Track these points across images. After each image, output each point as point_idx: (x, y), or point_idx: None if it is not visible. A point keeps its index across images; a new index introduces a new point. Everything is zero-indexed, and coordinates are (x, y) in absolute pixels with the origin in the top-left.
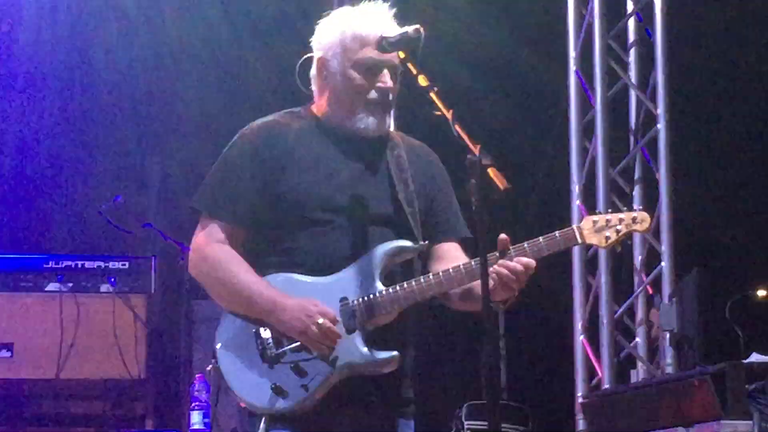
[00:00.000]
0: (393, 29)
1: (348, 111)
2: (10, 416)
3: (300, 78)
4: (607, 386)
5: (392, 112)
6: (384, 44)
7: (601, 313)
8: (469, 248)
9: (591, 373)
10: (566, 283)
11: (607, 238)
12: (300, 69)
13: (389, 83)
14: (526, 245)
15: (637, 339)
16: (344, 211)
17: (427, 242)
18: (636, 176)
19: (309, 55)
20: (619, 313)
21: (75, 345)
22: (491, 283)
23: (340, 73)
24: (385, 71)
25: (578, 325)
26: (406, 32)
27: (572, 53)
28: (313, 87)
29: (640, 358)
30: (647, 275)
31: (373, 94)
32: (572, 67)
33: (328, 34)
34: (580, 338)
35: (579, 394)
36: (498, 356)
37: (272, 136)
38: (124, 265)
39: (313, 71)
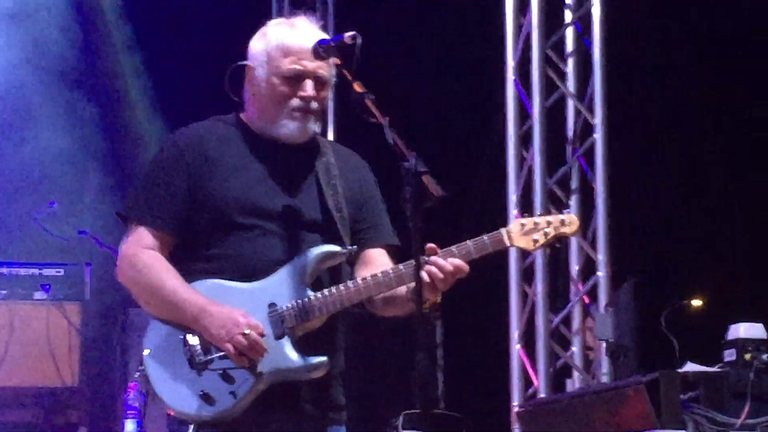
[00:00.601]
0: (308, 43)
1: (272, 118)
2: None
3: (231, 85)
4: (543, 395)
5: (331, 119)
6: (319, 50)
7: (537, 322)
8: (395, 255)
9: (527, 382)
10: (503, 292)
11: (536, 240)
12: (231, 76)
13: (310, 92)
14: (454, 248)
15: (574, 348)
16: (271, 216)
17: (355, 247)
18: (573, 186)
19: (239, 63)
20: (555, 322)
21: (8, 353)
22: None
23: (264, 80)
24: (307, 81)
25: (515, 335)
26: (342, 38)
27: (510, 62)
28: (245, 94)
29: (576, 368)
30: (584, 284)
31: (295, 102)
32: (510, 76)
33: (256, 44)
34: (516, 347)
35: (515, 403)
36: (434, 365)
37: (198, 141)
38: (59, 272)
39: (245, 78)
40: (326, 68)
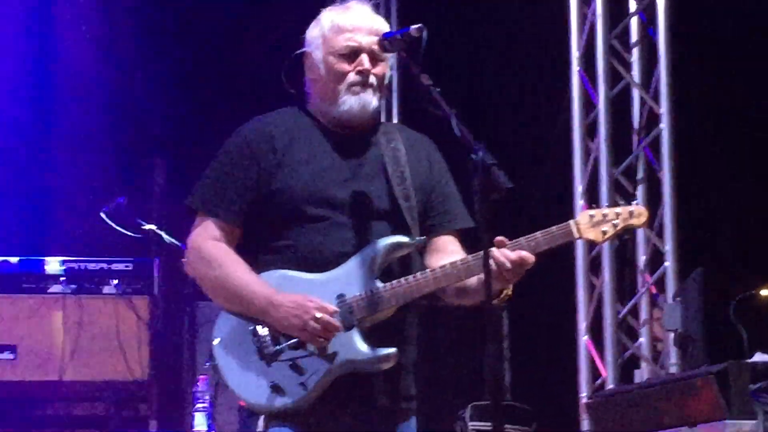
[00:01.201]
0: (375, 24)
1: (332, 98)
2: (14, 418)
3: (290, 78)
4: (611, 386)
5: (395, 113)
6: (384, 43)
7: (604, 313)
8: (467, 240)
9: (595, 373)
10: (570, 284)
11: (604, 232)
12: (289, 69)
13: (367, 65)
14: (522, 240)
15: (641, 339)
16: (340, 206)
17: (424, 238)
18: (639, 176)
19: (297, 53)
20: (623, 313)
21: (78, 347)
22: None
23: (321, 61)
24: (363, 55)
25: (582, 326)
26: (408, 31)
27: (575, 53)
28: (306, 83)
29: (645, 358)
30: (651, 275)
31: (352, 77)
32: (575, 67)
33: (312, 31)
34: (584, 339)
35: (583, 395)
36: (501, 357)
37: (267, 132)
38: (128, 266)
39: (304, 67)
40: (376, 45)
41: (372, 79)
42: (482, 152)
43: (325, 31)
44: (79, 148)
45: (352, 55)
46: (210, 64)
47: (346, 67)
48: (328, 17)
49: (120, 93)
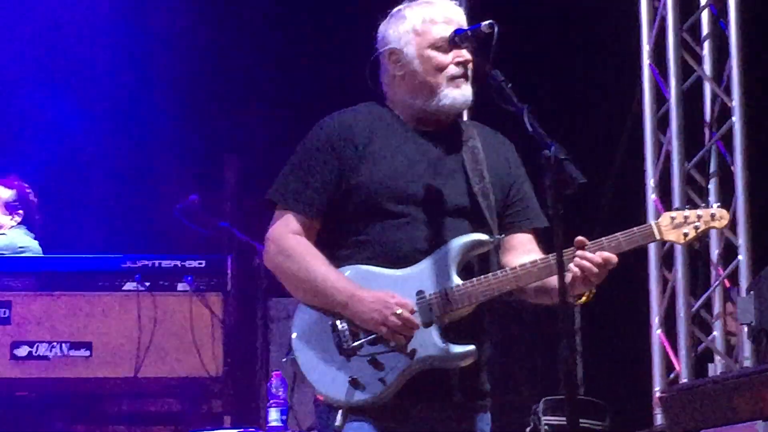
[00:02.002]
0: (460, 17)
1: (430, 92)
2: (89, 415)
3: (369, 78)
4: (684, 380)
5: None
6: (456, 40)
7: (678, 307)
8: (543, 239)
9: (668, 367)
10: (643, 278)
11: (685, 234)
12: (372, 68)
13: (467, 55)
14: (604, 241)
15: (715, 333)
16: (420, 203)
17: (503, 236)
18: (711, 169)
19: (382, 50)
20: (696, 307)
21: (153, 344)
22: (568, 277)
23: (416, 56)
24: (461, 46)
25: (655, 320)
26: (479, 27)
27: (645, 47)
28: (384, 83)
29: (718, 352)
30: (724, 269)
31: (452, 70)
32: (646, 60)
33: (397, 26)
34: (657, 333)
35: (657, 389)
36: (575, 351)
37: (347, 127)
38: (201, 264)
39: (384, 66)
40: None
41: (470, 71)
42: (554, 147)
43: (415, 25)
44: (151, 147)
45: (448, 46)
46: (281, 61)
47: (444, 58)
48: (415, 12)
49: (191, 91)
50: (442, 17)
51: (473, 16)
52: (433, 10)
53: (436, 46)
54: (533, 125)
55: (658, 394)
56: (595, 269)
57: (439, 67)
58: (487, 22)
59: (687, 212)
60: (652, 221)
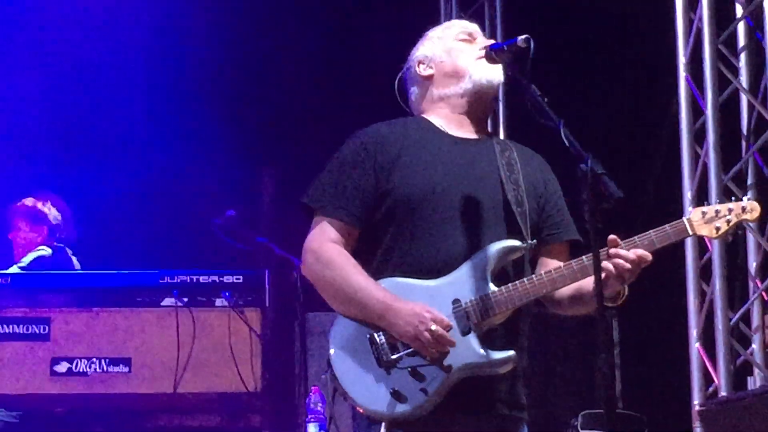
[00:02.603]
0: (476, 30)
1: (461, 74)
2: (129, 431)
3: (399, 95)
4: (723, 394)
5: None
6: (492, 54)
7: (716, 320)
8: (578, 252)
9: (707, 380)
10: (680, 291)
11: (718, 228)
12: (399, 90)
13: (486, 43)
14: (636, 239)
15: (754, 346)
16: (455, 209)
17: (535, 241)
18: (749, 181)
19: (411, 60)
20: (734, 320)
21: (191, 359)
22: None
23: (443, 51)
24: (479, 38)
25: (693, 333)
26: (515, 42)
27: (682, 59)
28: (415, 95)
29: (757, 365)
30: (762, 281)
31: (477, 51)
32: (682, 72)
33: (422, 42)
34: (695, 346)
35: (695, 402)
36: (613, 365)
37: (383, 136)
38: (239, 279)
39: (414, 77)
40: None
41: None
42: (591, 162)
43: (438, 32)
44: (189, 162)
45: (470, 36)
46: (316, 74)
47: (470, 47)
48: (436, 28)
49: (228, 106)
50: (459, 25)
51: (507, 31)
52: (451, 22)
53: (459, 38)
54: (570, 139)
55: (697, 408)
56: (628, 265)
57: (465, 51)
58: (523, 37)
59: (718, 206)
60: (684, 217)
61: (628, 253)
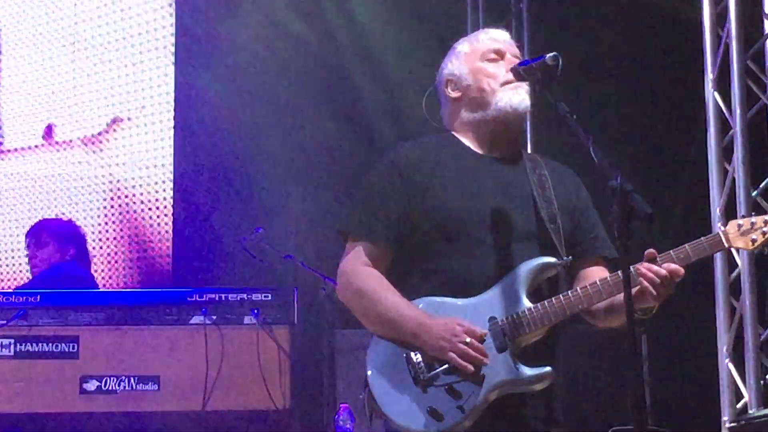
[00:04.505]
0: (505, 36)
1: (486, 100)
2: None
3: (428, 113)
4: (753, 410)
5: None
6: (520, 71)
7: (746, 336)
8: (613, 270)
9: (737, 396)
10: (710, 306)
11: (754, 240)
12: (427, 105)
13: (515, 61)
14: (672, 253)
15: None
16: (489, 228)
17: (570, 258)
18: None
19: (439, 82)
20: (764, 335)
21: (220, 377)
22: (635, 290)
23: (470, 71)
24: (508, 56)
25: (723, 349)
26: (543, 59)
27: (710, 75)
28: (446, 115)
29: None
30: None
31: (505, 75)
32: (710, 88)
33: (450, 56)
34: (725, 362)
35: (725, 418)
36: (643, 381)
37: (415, 157)
38: (267, 296)
39: (443, 95)
40: (515, 48)
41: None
42: (620, 178)
43: (464, 49)
44: (217, 180)
45: (498, 54)
46: (343, 89)
47: (495, 67)
48: (463, 40)
49: (256, 124)
50: (487, 36)
51: (535, 46)
52: (478, 33)
53: (486, 58)
54: (599, 156)
55: (727, 424)
56: (658, 280)
57: (491, 75)
58: (551, 54)
59: (753, 218)
60: (719, 230)
61: (660, 268)
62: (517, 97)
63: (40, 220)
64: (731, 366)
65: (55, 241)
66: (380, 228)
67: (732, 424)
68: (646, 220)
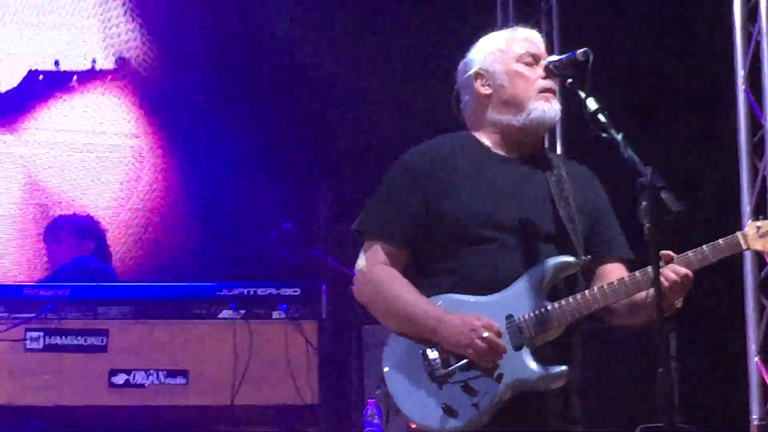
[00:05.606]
0: (538, 39)
1: (519, 106)
2: None
3: (456, 107)
4: None
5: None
6: (550, 67)
7: None
8: (630, 269)
9: (766, 394)
10: (739, 304)
11: None
12: (455, 99)
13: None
14: (690, 254)
15: None
16: (506, 228)
17: (590, 257)
18: None
19: (466, 75)
20: None
21: (248, 371)
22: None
23: (504, 72)
24: (543, 62)
25: (752, 347)
26: (574, 55)
27: (740, 72)
28: (469, 109)
29: None
30: None
31: (542, 82)
32: (741, 86)
33: (480, 51)
34: (754, 360)
35: (754, 417)
36: (671, 379)
37: (433, 156)
38: (296, 291)
39: (470, 87)
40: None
41: (555, 86)
42: (651, 175)
43: (499, 44)
44: (246, 175)
45: (534, 59)
46: (371, 86)
47: (532, 72)
48: (497, 35)
49: (285, 119)
50: (522, 36)
51: (564, 44)
52: (513, 31)
53: (522, 61)
54: (629, 152)
55: (755, 422)
56: (679, 280)
57: (527, 80)
58: (582, 50)
59: None
60: (738, 232)
61: (681, 269)
62: (551, 110)
63: (56, 217)
64: (760, 364)
65: (74, 236)
66: (396, 229)
67: (761, 423)
68: (677, 217)
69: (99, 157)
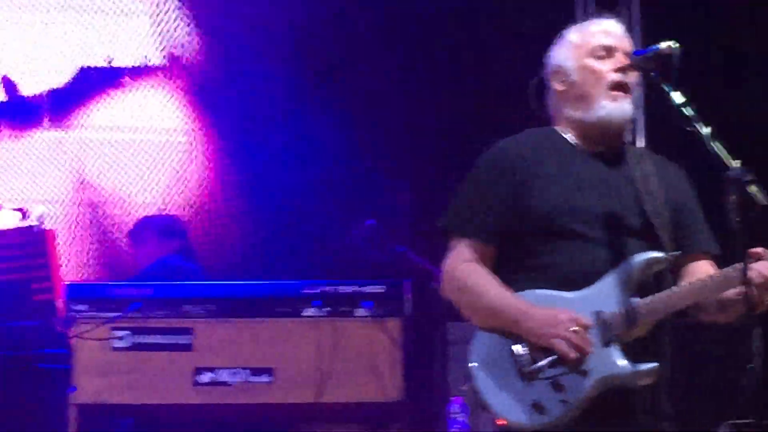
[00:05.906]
0: (618, 30)
1: (588, 102)
2: None
3: (534, 102)
4: None
5: (642, 128)
6: (635, 61)
7: None
8: (718, 266)
9: None
10: None
11: None
12: (534, 93)
13: (625, 61)
14: None
15: None
16: (594, 223)
17: (679, 252)
18: None
19: (546, 71)
20: None
21: (333, 369)
22: (738, 290)
23: (576, 67)
24: (618, 54)
25: None
26: (659, 48)
27: None
28: (551, 105)
29: None
30: None
31: (612, 76)
32: None
33: (558, 45)
34: None
35: None
36: (757, 374)
37: (517, 152)
38: (379, 289)
39: (550, 86)
40: (627, 44)
41: (630, 79)
42: (738, 169)
43: (574, 39)
44: (329, 173)
45: (608, 52)
46: (452, 82)
47: (602, 66)
48: (574, 29)
49: (367, 116)
50: (598, 28)
51: (647, 36)
52: (590, 24)
53: (594, 55)
54: (716, 146)
55: None
56: (760, 280)
57: (597, 75)
58: (667, 43)
59: None
60: None
61: (762, 269)
62: (617, 110)
63: (141, 218)
64: None
65: (157, 236)
66: (482, 225)
67: None
68: (765, 211)
69: (150, 153)
